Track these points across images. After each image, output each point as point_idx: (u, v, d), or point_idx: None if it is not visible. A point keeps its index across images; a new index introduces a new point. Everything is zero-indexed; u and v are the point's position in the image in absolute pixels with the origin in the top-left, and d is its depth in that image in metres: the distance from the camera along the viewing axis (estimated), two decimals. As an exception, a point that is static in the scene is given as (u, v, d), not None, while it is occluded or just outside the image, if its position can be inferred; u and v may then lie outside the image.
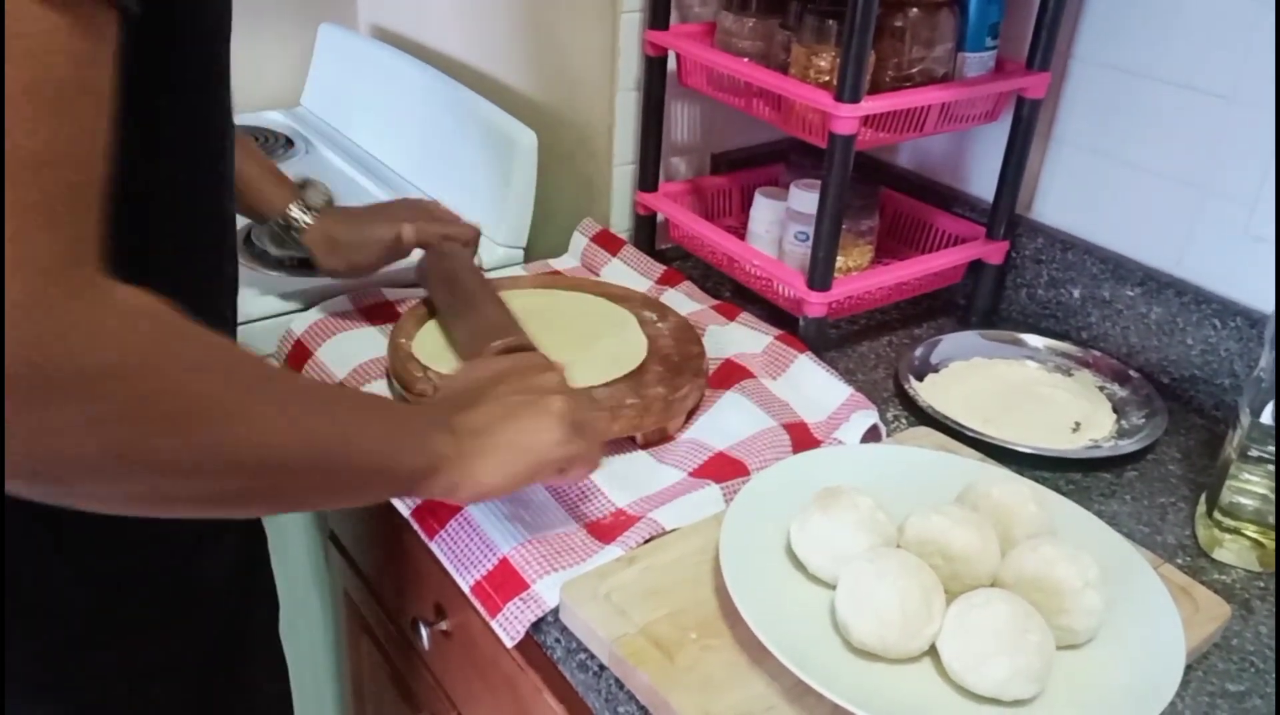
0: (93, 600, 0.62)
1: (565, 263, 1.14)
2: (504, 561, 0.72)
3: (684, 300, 1.04)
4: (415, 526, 0.78)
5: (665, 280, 1.07)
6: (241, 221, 1.15)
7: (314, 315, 0.99)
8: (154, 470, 0.46)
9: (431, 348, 0.91)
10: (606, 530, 0.74)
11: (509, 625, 0.70)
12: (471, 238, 1.00)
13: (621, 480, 0.80)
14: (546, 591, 0.69)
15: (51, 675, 0.62)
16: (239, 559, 0.73)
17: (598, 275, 1.10)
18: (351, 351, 0.94)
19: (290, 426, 0.51)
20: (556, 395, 0.67)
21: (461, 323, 0.91)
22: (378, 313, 1.00)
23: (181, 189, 0.60)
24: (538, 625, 0.71)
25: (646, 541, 0.72)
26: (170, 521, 0.62)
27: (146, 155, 0.53)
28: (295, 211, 0.94)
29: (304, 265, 1.05)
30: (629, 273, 1.09)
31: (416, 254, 1.00)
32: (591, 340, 0.93)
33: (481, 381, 0.68)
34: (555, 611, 0.70)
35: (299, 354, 0.97)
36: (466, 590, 0.73)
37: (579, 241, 1.14)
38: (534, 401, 0.66)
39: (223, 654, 0.71)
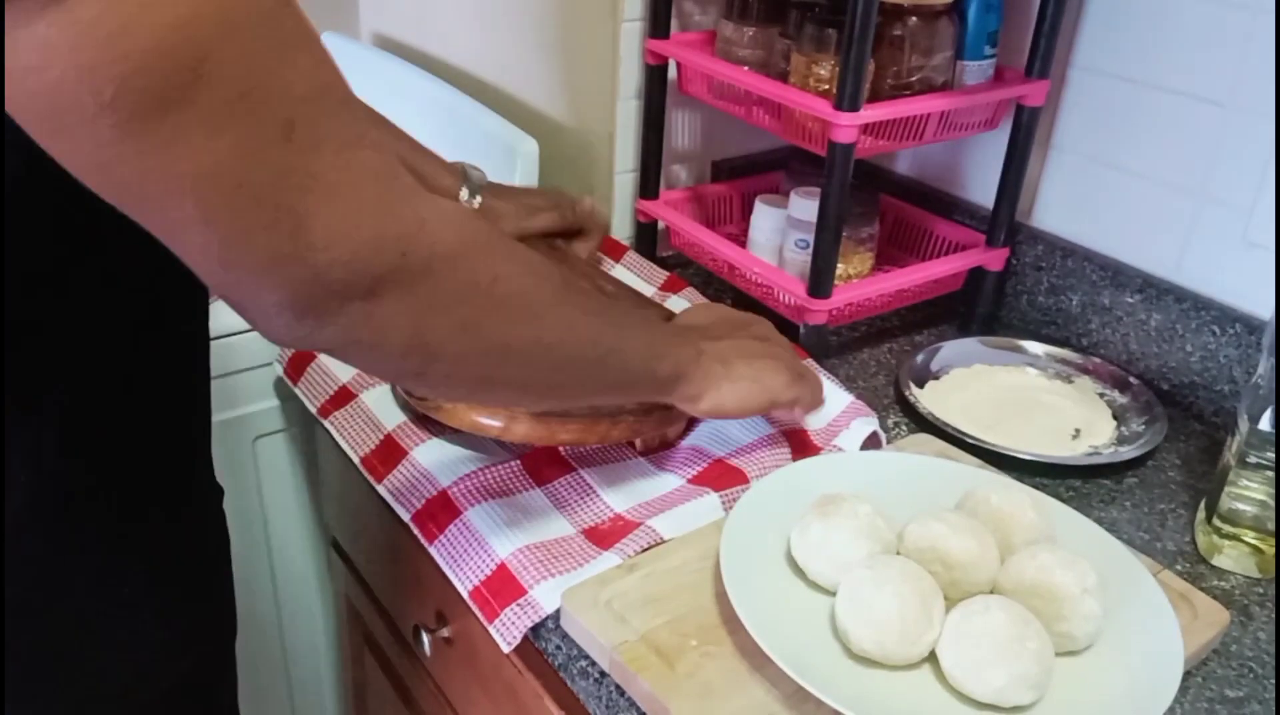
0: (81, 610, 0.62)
1: (567, 270, 1.14)
2: (502, 566, 0.72)
3: (687, 306, 1.05)
4: (415, 531, 0.78)
5: (668, 286, 1.08)
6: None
7: None
8: (478, 351, 0.55)
9: None
10: (604, 536, 0.75)
11: (506, 631, 0.70)
12: (603, 229, 1.06)
13: (620, 486, 0.80)
14: (544, 597, 0.70)
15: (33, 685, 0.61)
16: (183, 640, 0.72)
17: None
18: None
19: (585, 327, 0.62)
20: (784, 348, 0.81)
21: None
22: None
23: None
24: (539, 632, 0.71)
25: (644, 551, 0.73)
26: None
27: None
28: (465, 195, 0.96)
29: None
30: (633, 279, 1.09)
31: None
32: None
33: (726, 321, 0.82)
34: (556, 618, 0.70)
35: (300, 358, 0.97)
36: (465, 595, 0.73)
37: None
38: (766, 349, 0.78)
39: (184, 677, 0.70)
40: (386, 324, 0.49)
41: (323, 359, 0.95)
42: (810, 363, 0.93)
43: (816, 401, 0.82)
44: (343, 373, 0.93)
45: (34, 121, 0.40)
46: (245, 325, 1.08)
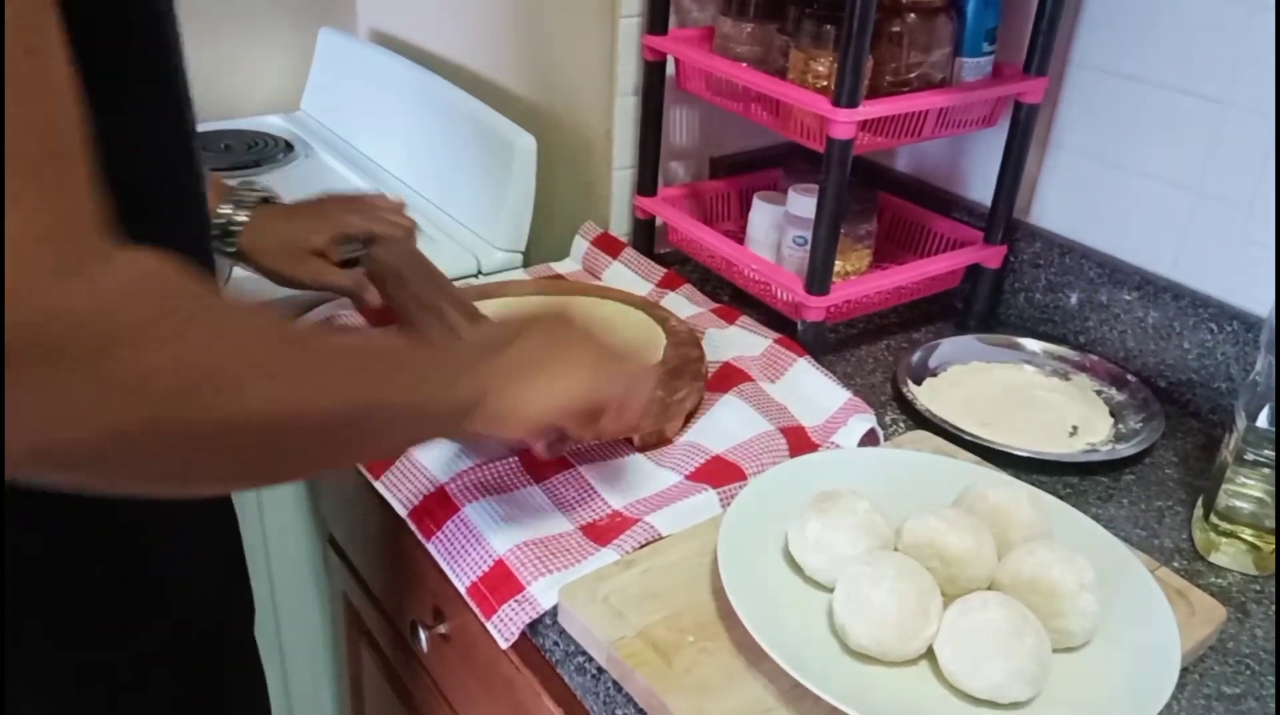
0: (70, 600, 0.62)
1: (567, 266, 1.14)
2: (499, 563, 0.72)
3: (684, 303, 1.05)
4: (413, 527, 0.78)
5: (666, 283, 1.08)
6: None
7: (312, 317, 1.00)
8: (167, 446, 0.44)
9: None
10: (602, 532, 0.75)
11: (504, 627, 0.70)
12: (405, 230, 0.96)
13: (618, 482, 0.80)
14: (541, 593, 0.70)
15: (30, 676, 0.61)
16: (217, 563, 0.72)
17: (599, 278, 1.11)
18: None
19: (313, 390, 0.49)
20: (586, 340, 0.68)
21: (418, 318, 0.88)
22: (379, 318, 1.00)
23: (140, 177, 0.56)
24: (536, 628, 0.71)
25: (641, 547, 0.72)
26: (151, 522, 0.63)
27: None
28: (227, 209, 0.88)
29: (246, 265, 0.96)
30: (630, 276, 1.09)
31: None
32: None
33: (515, 324, 0.68)
34: (553, 614, 0.70)
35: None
36: (462, 591, 0.73)
37: (580, 245, 1.15)
38: (567, 343, 0.67)
39: (200, 659, 0.71)
40: (73, 410, 0.40)
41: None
42: (806, 359, 0.93)
43: (635, 393, 0.69)
44: None
45: None
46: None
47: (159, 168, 0.61)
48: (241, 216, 0.89)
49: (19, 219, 0.38)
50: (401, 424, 0.57)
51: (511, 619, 0.70)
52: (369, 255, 0.93)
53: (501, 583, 0.71)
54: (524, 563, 0.72)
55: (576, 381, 0.65)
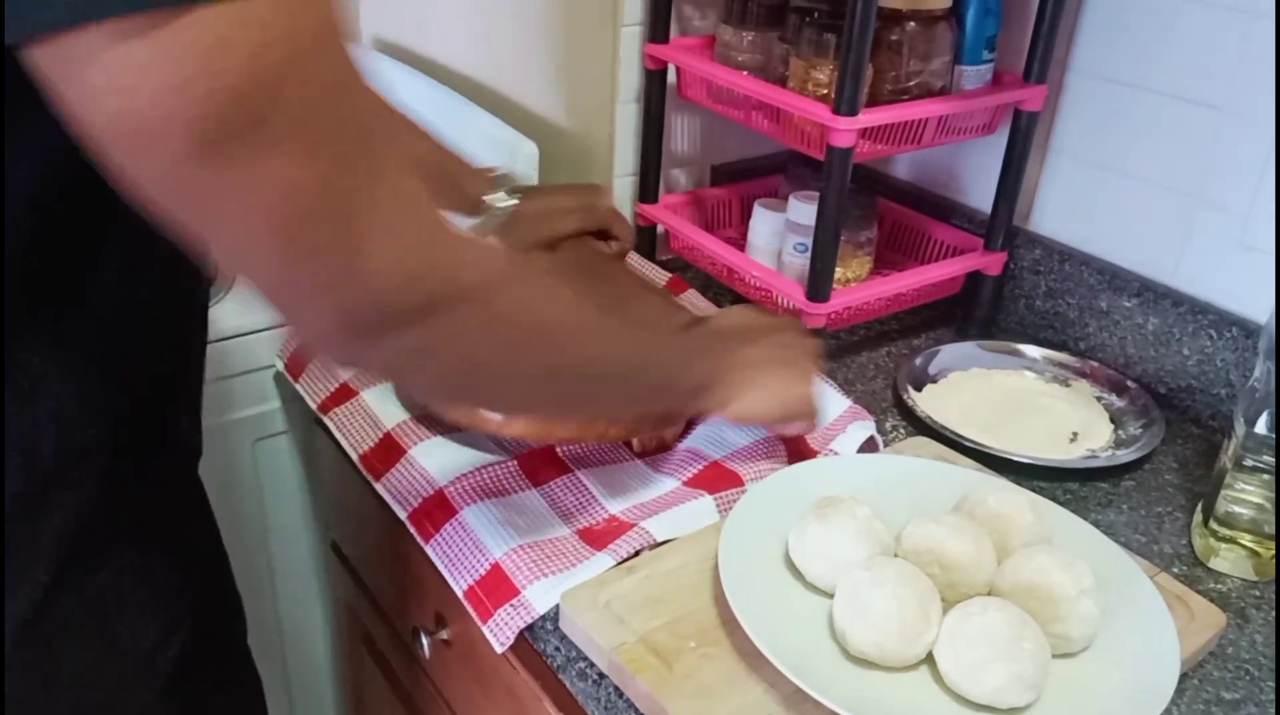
0: (63, 607, 0.62)
1: (567, 273, 1.15)
2: (496, 566, 0.72)
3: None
4: (411, 529, 0.79)
5: (670, 288, 1.08)
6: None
7: None
8: (514, 374, 0.58)
9: None
10: (598, 536, 0.75)
11: (499, 631, 0.70)
12: (627, 247, 1.00)
13: (616, 487, 0.81)
14: (537, 598, 0.70)
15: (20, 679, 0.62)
16: (199, 576, 0.72)
17: None
18: None
19: (612, 348, 0.65)
20: (811, 356, 0.81)
21: (626, 313, 0.91)
22: None
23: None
24: (537, 633, 0.71)
25: (636, 554, 0.73)
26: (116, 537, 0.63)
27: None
28: (495, 199, 0.93)
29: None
30: None
31: None
32: None
33: (748, 326, 0.81)
34: (554, 619, 0.70)
35: (301, 354, 0.97)
36: (460, 595, 0.74)
37: None
38: (794, 356, 0.79)
39: (191, 673, 0.70)
40: (431, 349, 0.52)
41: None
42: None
43: (818, 420, 0.82)
44: (343, 369, 0.93)
45: (114, 141, 0.40)
46: (244, 329, 1.10)
47: None
48: (511, 201, 0.94)
49: (410, 189, 0.47)
50: (656, 388, 0.71)
51: (507, 623, 0.70)
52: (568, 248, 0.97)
53: (497, 587, 0.72)
54: (520, 567, 0.72)
55: (794, 392, 0.78)
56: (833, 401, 0.90)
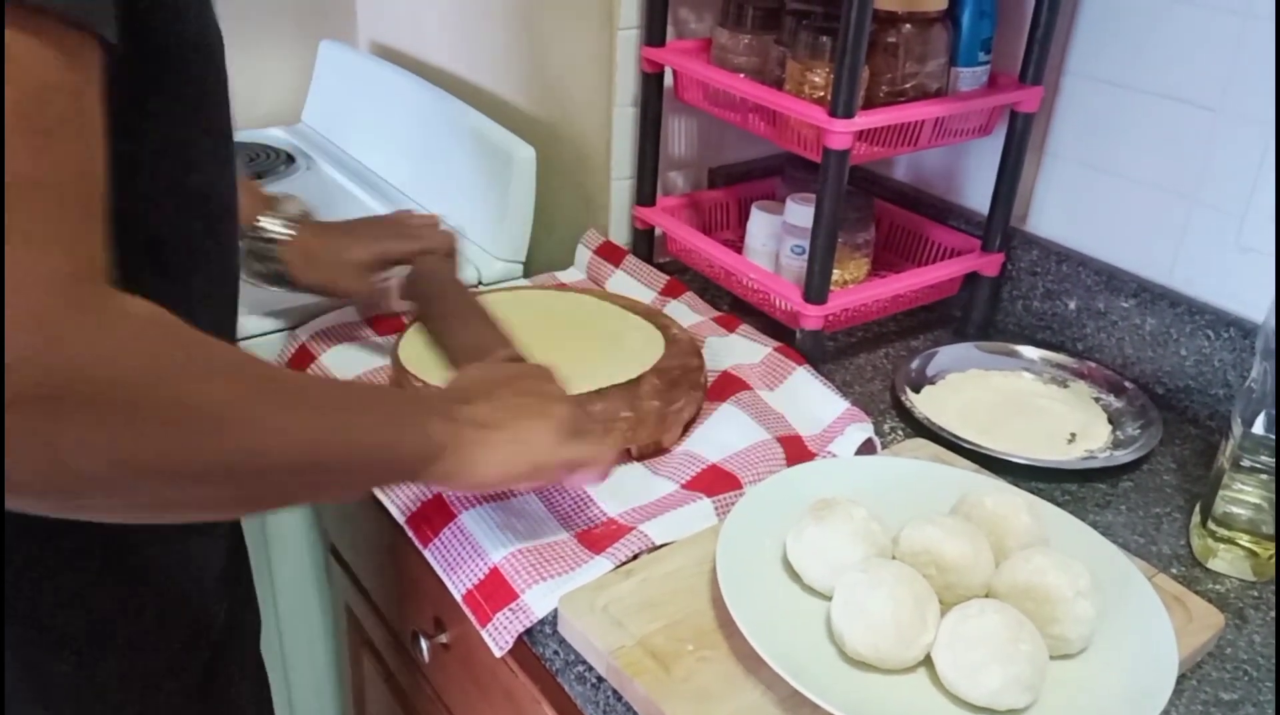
0: (73, 614, 0.62)
1: (570, 275, 1.15)
2: (494, 571, 0.73)
3: (686, 311, 1.05)
4: (410, 534, 0.79)
5: (668, 291, 1.08)
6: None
7: (320, 323, 1.01)
8: (161, 479, 0.47)
9: (424, 360, 0.90)
10: (597, 540, 0.75)
11: (498, 635, 0.71)
12: (448, 247, 0.97)
13: (615, 490, 0.81)
14: (535, 602, 0.70)
15: (37, 685, 0.62)
16: (222, 577, 0.73)
17: (603, 287, 1.11)
18: (355, 359, 0.95)
19: (294, 430, 0.53)
20: (559, 401, 0.70)
21: (452, 337, 0.90)
22: (384, 324, 1.01)
23: (166, 210, 0.60)
24: (536, 637, 0.71)
25: (635, 557, 0.73)
26: (152, 538, 0.63)
27: (126, 177, 0.51)
28: (267, 223, 0.91)
29: (278, 281, 0.99)
30: (633, 284, 1.10)
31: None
32: (614, 343, 0.93)
33: (487, 380, 0.70)
34: (553, 623, 0.70)
35: (302, 357, 0.98)
36: (459, 599, 0.74)
37: (583, 254, 1.15)
38: (538, 404, 0.68)
39: (206, 673, 0.71)
40: (69, 449, 0.42)
41: (324, 358, 0.96)
42: (805, 368, 0.93)
43: (599, 466, 0.71)
44: (345, 372, 0.93)
45: None
46: (244, 333, 1.09)
47: (206, 208, 0.63)
48: (286, 231, 0.91)
49: (33, 266, 0.40)
50: (372, 464, 0.61)
51: (506, 627, 0.70)
52: (411, 276, 0.96)
53: (496, 590, 0.72)
54: (518, 570, 0.72)
55: (531, 450, 0.66)
56: (831, 403, 0.90)
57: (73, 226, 0.42)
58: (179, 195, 0.60)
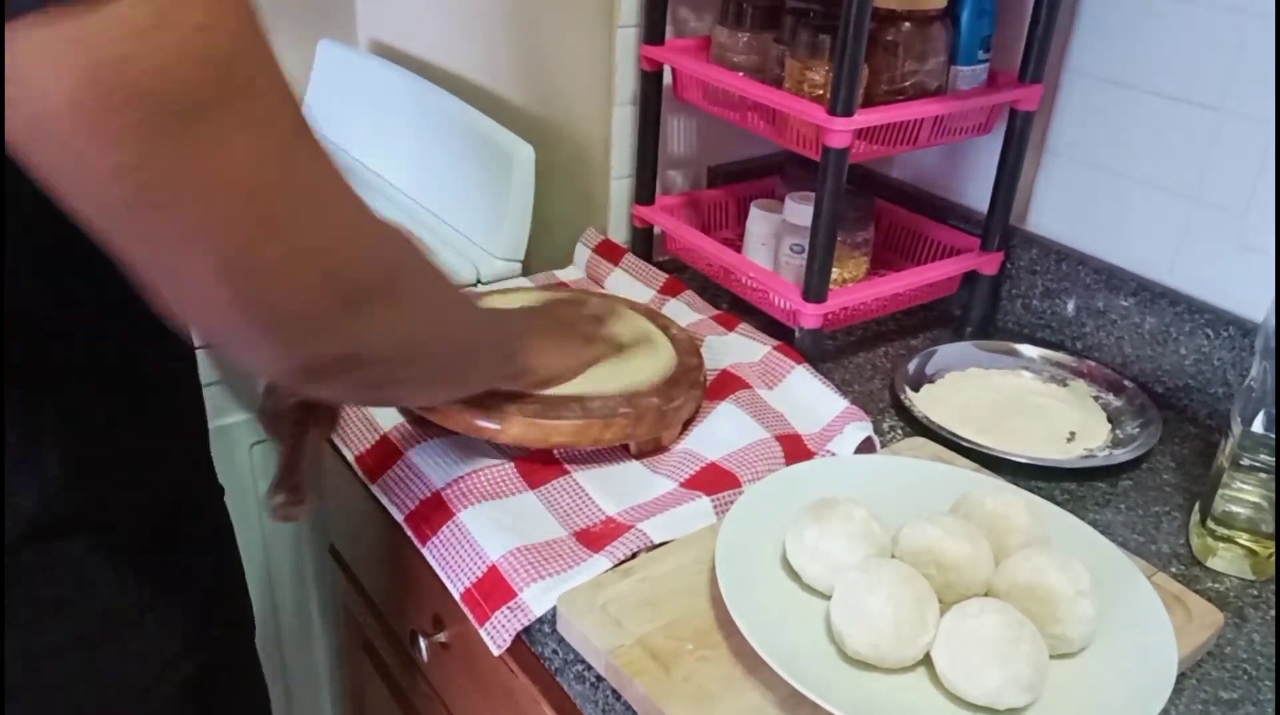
0: (75, 610, 0.62)
1: (570, 274, 1.15)
2: (493, 569, 0.72)
3: (685, 310, 1.05)
4: (409, 532, 0.79)
5: (667, 290, 1.08)
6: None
7: None
8: (442, 349, 0.63)
9: None
10: (595, 538, 0.75)
11: (496, 634, 0.70)
12: None
13: (613, 489, 0.81)
14: (534, 600, 0.70)
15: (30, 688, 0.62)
16: (215, 577, 0.72)
17: (602, 286, 1.11)
18: None
19: (468, 323, 0.70)
20: (590, 323, 0.90)
21: None
22: None
23: None
24: (534, 636, 0.71)
25: (634, 555, 0.73)
26: (147, 538, 0.63)
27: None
28: None
29: None
30: (632, 283, 1.10)
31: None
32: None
33: (547, 303, 0.94)
34: (552, 622, 0.70)
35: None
36: (457, 597, 0.74)
37: (582, 253, 1.15)
38: (573, 322, 0.90)
39: (201, 674, 0.71)
40: (379, 330, 0.52)
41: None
42: (804, 367, 0.93)
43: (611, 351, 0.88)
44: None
45: (41, 129, 0.39)
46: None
47: None
48: None
49: (336, 170, 0.48)
50: (489, 364, 0.75)
51: (504, 625, 0.70)
52: None
53: (494, 589, 0.72)
54: (516, 569, 0.72)
55: (569, 357, 0.84)
56: (830, 402, 0.90)
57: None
58: None
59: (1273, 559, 0.78)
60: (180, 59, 0.38)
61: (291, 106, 0.44)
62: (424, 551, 0.77)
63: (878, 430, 0.91)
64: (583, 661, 0.68)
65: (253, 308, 0.46)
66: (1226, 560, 0.79)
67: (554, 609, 0.70)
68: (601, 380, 0.84)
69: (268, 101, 0.42)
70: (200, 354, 0.67)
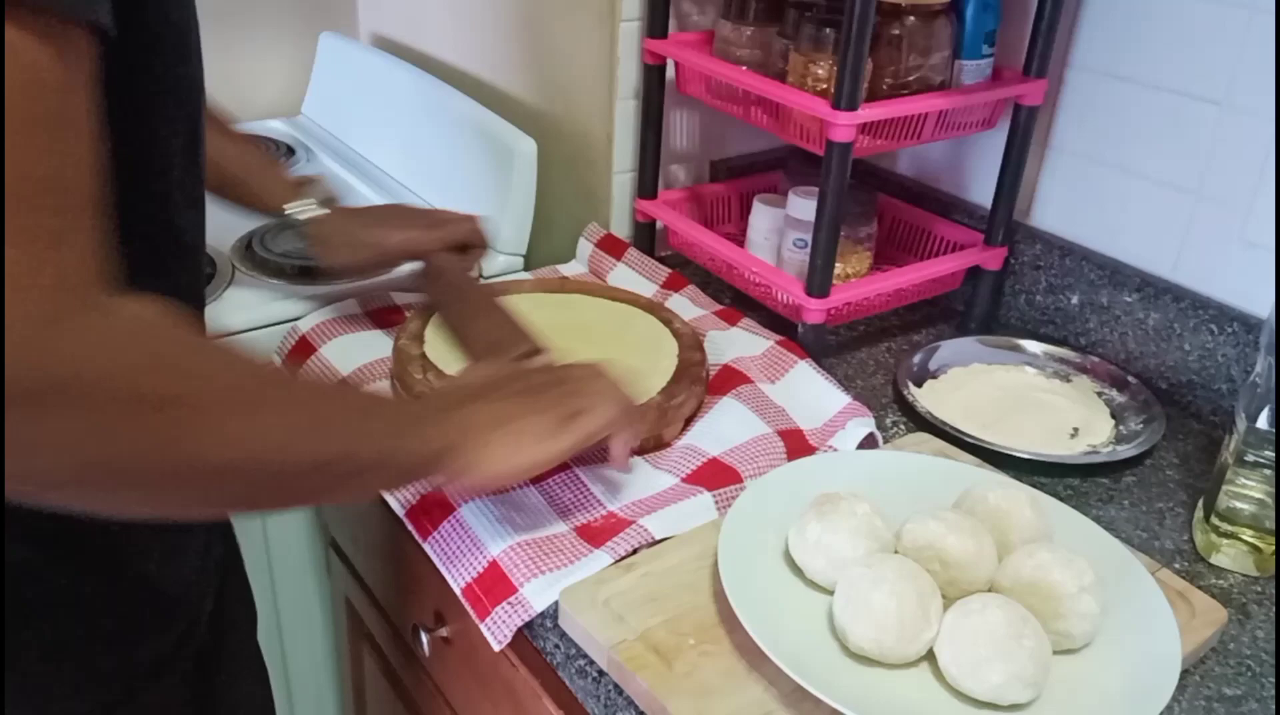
0: (69, 609, 0.62)
1: (572, 268, 1.15)
2: (493, 564, 0.72)
3: (688, 305, 1.05)
4: (410, 527, 0.79)
5: (670, 284, 1.08)
6: (242, 230, 1.17)
7: (321, 315, 1.00)
8: (152, 476, 0.47)
9: (441, 351, 0.91)
10: (596, 534, 0.75)
11: (497, 629, 0.70)
12: (473, 239, 1.00)
13: (614, 484, 0.80)
14: (534, 595, 0.70)
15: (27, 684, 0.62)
16: (214, 571, 0.72)
17: (604, 280, 1.11)
18: (355, 352, 0.95)
19: (292, 433, 0.52)
20: (552, 390, 0.69)
21: (470, 332, 0.91)
22: (384, 317, 1.01)
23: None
24: (536, 631, 0.71)
25: (635, 551, 0.73)
26: (143, 532, 0.63)
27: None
28: (297, 207, 0.94)
29: (304, 274, 1.05)
30: (634, 277, 1.09)
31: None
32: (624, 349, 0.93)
33: (484, 382, 0.70)
34: (554, 617, 0.70)
35: (302, 349, 0.97)
36: (458, 592, 0.73)
37: (584, 247, 1.15)
38: (530, 399, 0.68)
39: (203, 666, 0.71)
40: (51, 443, 0.43)
41: (323, 351, 0.96)
42: (807, 362, 0.93)
43: (615, 427, 0.71)
44: (343, 366, 0.93)
45: None
46: (243, 326, 1.09)
47: (174, 197, 0.62)
48: (310, 214, 0.94)
49: (34, 269, 0.40)
50: (371, 471, 0.59)
51: (505, 621, 0.70)
52: (427, 269, 0.98)
53: (495, 584, 0.71)
54: (517, 564, 0.72)
55: (530, 443, 0.66)
56: (832, 397, 0.90)
57: (71, 228, 0.42)
58: (142, 189, 0.59)
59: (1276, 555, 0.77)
60: None
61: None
62: (425, 546, 0.77)
63: (880, 426, 0.91)
64: (585, 656, 0.68)
65: None
66: (1230, 556, 0.78)
67: (556, 604, 0.70)
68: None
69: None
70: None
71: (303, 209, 0.94)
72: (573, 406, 0.69)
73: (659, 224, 1.15)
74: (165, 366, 0.46)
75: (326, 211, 0.95)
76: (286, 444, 0.52)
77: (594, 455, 0.84)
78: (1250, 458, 0.76)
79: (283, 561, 1.20)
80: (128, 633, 0.65)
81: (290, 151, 1.44)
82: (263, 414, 0.51)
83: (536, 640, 0.71)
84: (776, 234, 1.06)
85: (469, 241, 0.99)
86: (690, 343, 0.94)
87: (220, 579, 0.74)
